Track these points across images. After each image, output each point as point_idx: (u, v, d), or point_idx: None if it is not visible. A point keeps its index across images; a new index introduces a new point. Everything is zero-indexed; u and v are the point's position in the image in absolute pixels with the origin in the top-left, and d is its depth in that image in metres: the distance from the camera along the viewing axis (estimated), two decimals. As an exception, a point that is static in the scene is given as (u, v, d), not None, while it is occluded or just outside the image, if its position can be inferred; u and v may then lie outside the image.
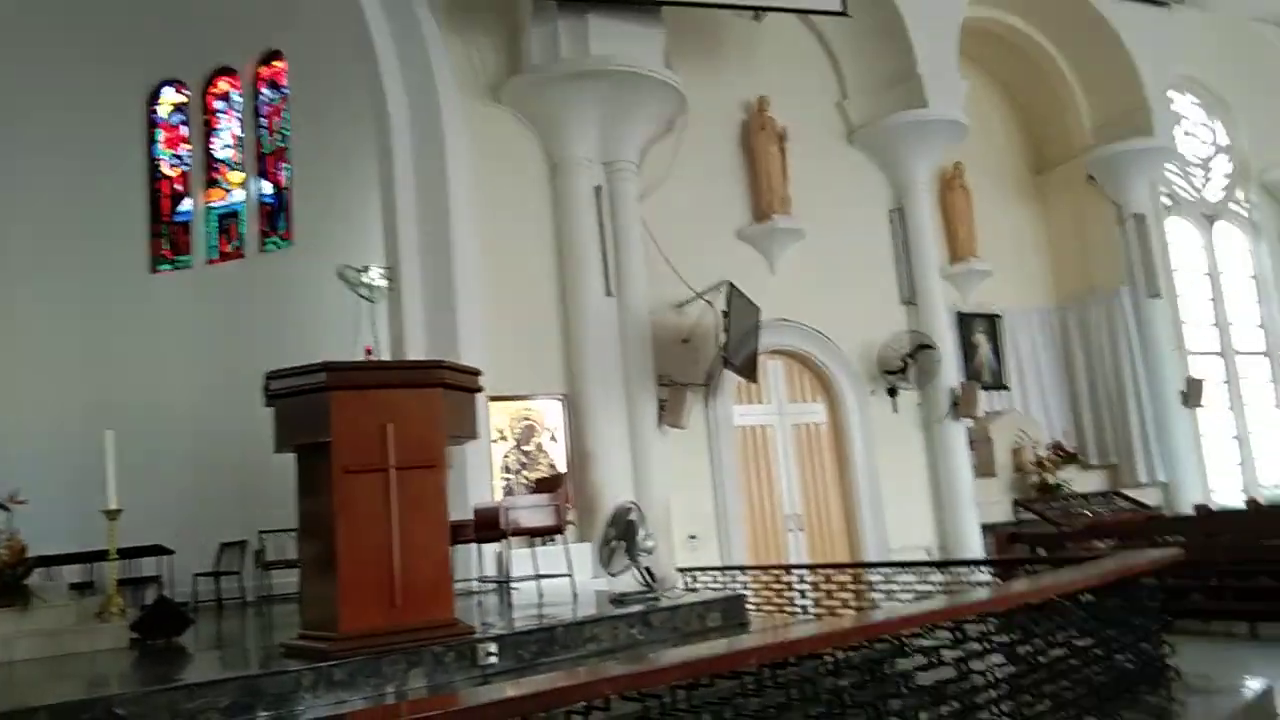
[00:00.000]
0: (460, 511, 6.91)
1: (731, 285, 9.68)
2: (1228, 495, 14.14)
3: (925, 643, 3.73)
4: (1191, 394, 13.50)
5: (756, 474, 10.71)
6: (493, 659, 4.37)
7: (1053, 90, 14.05)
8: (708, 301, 10.09)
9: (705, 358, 10.16)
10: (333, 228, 11.35)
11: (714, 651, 3.02)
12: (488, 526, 6.33)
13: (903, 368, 11.27)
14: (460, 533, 6.56)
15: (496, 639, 4.49)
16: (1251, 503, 13.36)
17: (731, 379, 10.23)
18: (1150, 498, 13.09)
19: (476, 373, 4.93)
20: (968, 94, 12.04)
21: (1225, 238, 15.78)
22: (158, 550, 10.15)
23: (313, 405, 4.46)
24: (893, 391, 11.38)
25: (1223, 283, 15.48)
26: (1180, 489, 13.13)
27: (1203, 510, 12.25)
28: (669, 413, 9.69)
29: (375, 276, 8.97)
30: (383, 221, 9.23)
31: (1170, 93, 14.37)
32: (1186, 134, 15.68)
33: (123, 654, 5.51)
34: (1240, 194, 15.92)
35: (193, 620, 6.30)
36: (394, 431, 4.39)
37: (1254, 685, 5.14)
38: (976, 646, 3.93)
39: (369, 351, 8.78)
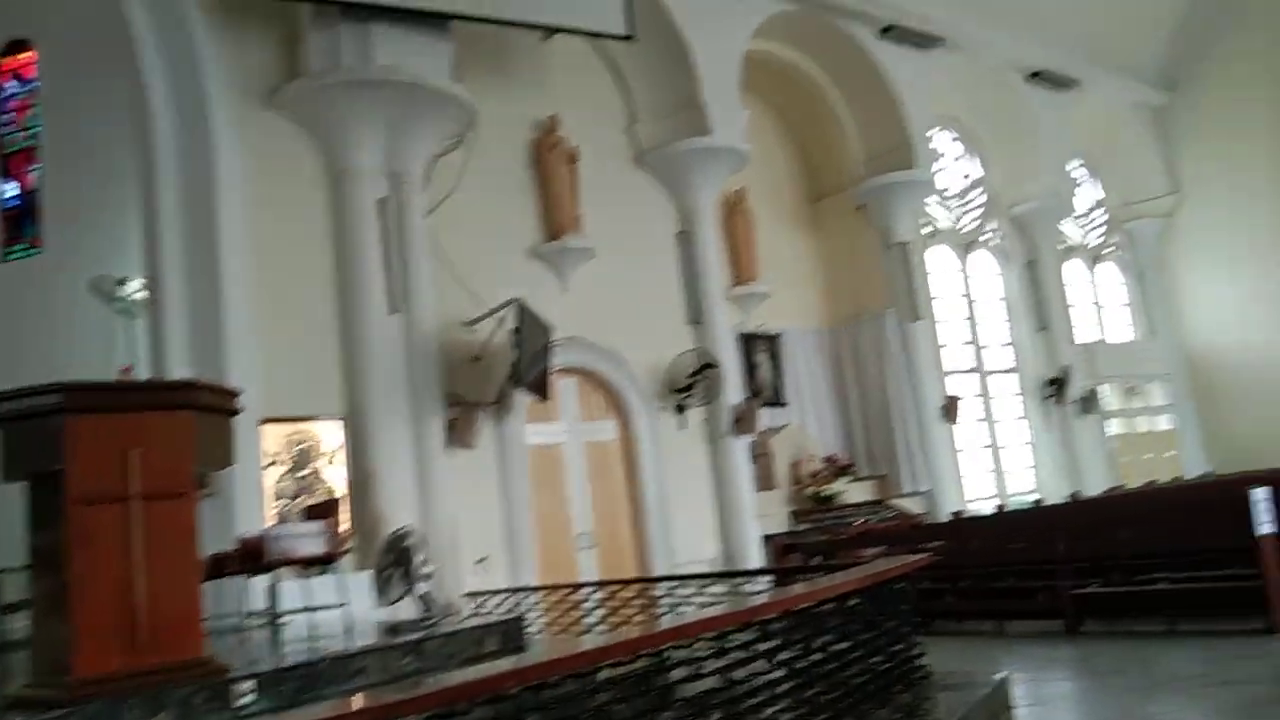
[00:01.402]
0: (228, 541, 6.52)
1: (522, 303, 9.64)
2: (983, 502, 15.38)
3: (689, 654, 3.82)
4: (949, 410, 14.61)
5: (548, 493, 10.69)
6: (249, 698, 4.13)
7: (828, 123, 14.91)
8: (498, 319, 10.00)
9: (497, 376, 10.04)
10: (89, 235, 10.42)
11: (470, 676, 2.96)
12: (253, 557, 5.98)
13: (689, 386, 11.58)
14: (225, 564, 6.19)
15: (254, 676, 4.24)
16: (1000, 509, 14.58)
17: (523, 398, 10.18)
18: (915, 506, 14.04)
19: (234, 393, 4.66)
20: (750, 123, 12.58)
21: (979, 264, 17.22)
22: None
23: (45, 429, 4.09)
24: (680, 409, 11.67)
25: (976, 306, 16.87)
26: (941, 497, 14.14)
27: (958, 517, 13.25)
28: (458, 433, 9.53)
29: (134, 289, 8.37)
30: (143, 229, 8.58)
31: (931, 130, 15.58)
32: (945, 169, 17.03)
33: None
34: (993, 224, 17.43)
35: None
36: (138, 458, 4.08)
37: (994, 677, 5.60)
38: (741, 655, 4.07)
39: (126, 371, 8.16)
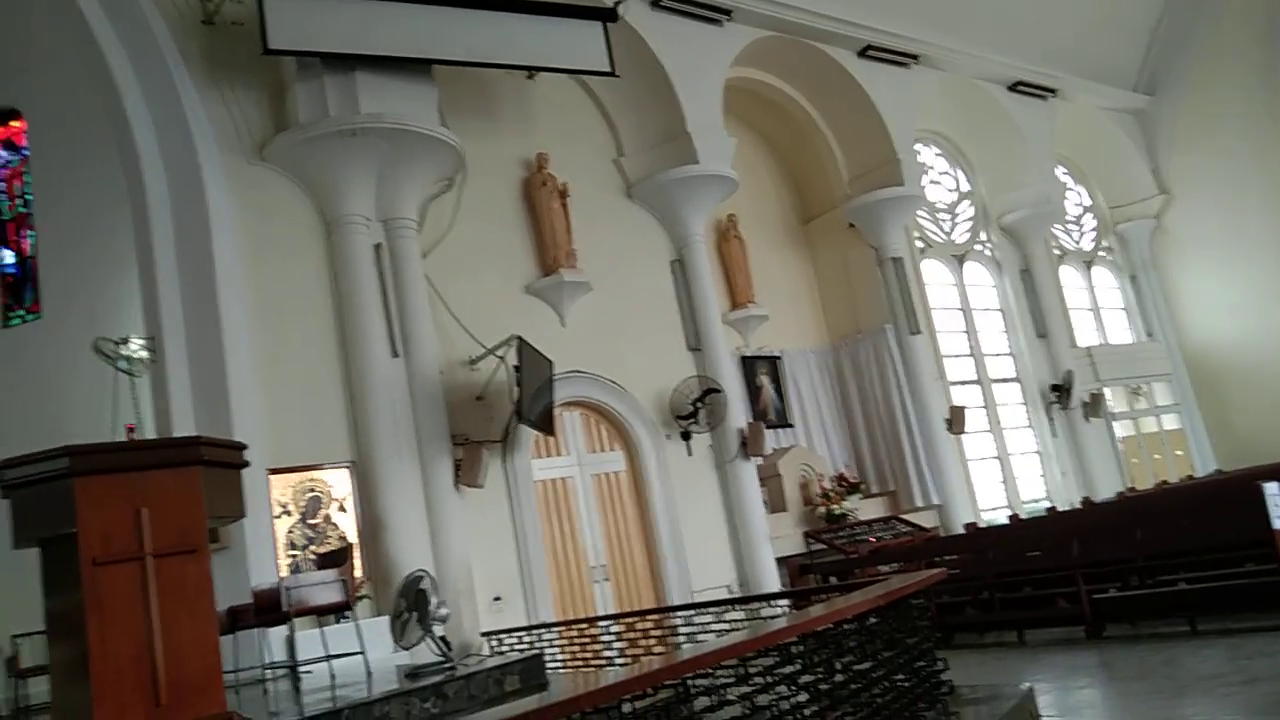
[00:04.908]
0: (242, 594, 6.49)
1: (521, 340, 9.67)
2: (995, 513, 15.32)
3: (716, 682, 3.80)
4: (955, 421, 14.60)
5: (560, 527, 10.67)
6: (273, 752, 4.10)
7: (813, 144, 15.03)
8: (499, 357, 10.02)
9: (501, 414, 10.07)
10: (88, 297, 10.47)
11: (493, 718, 2.95)
12: (269, 609, 5.96)
13: (694, 412, 11.59)
14: (241, 617, 6.17)
15: (276, 729, 4.21)
16: (1014, 518, 14.51)
17: (529, 433, 10.19)
18: (928, 520, 14.00)
19: (240, 446, 4.66)
20: (736, 149, 12.69)
21: (974, 275, 17.29)
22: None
23: (55, 494, 4.09)
24: (686, 435, 11.67)
25: (975, 317, 16.91)
26: (953, 509, 14.11)
27: (972, 528, 13.19)
28: (465, 472, 9.52)
29: (135, 348, 8.35)
30: (141, 289, 8.63)
31: (916, 145, 15.69)
32: (933, 182, 17.14)
33: None
34: (984, 235, 17.52)
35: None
36: (149, 516, 4.08)
37: (1019, 688, 5.56)
38: (763, 680, 4.04)
39: (131, 430, 8.13)
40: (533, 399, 9.58)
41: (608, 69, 11.02)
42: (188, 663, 4.09)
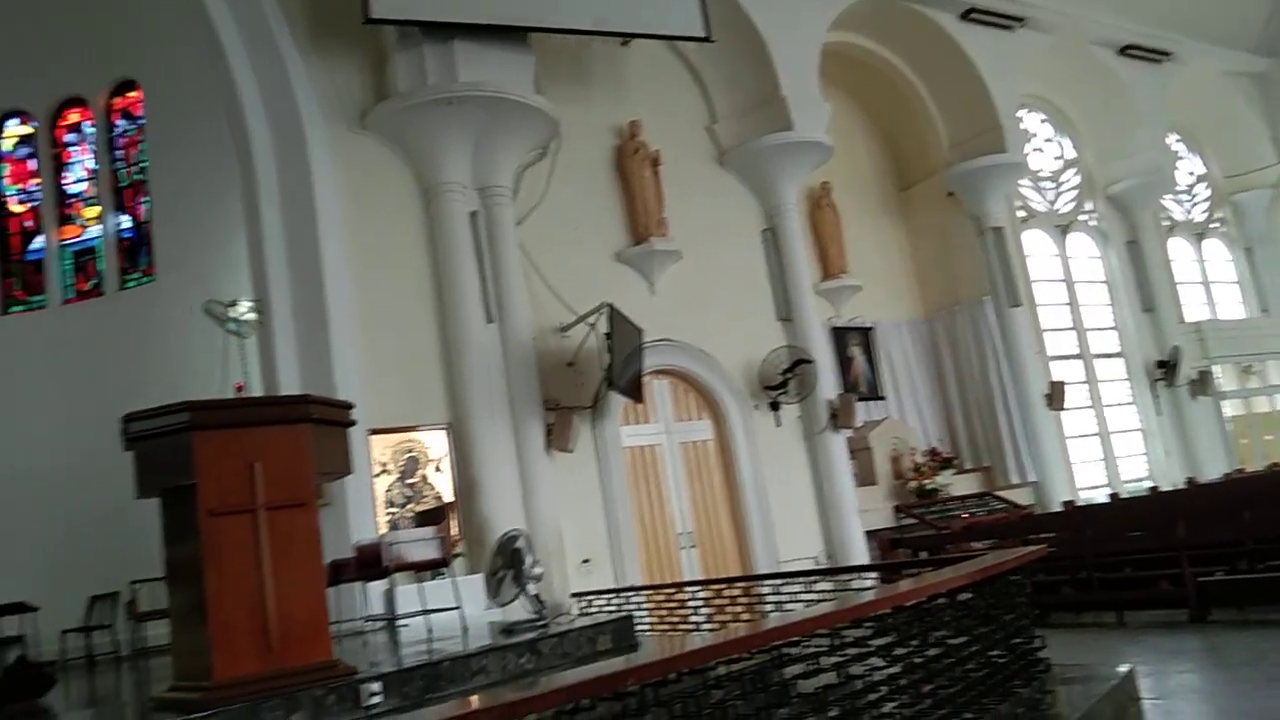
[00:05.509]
0: (343, 549, 6.73)
1: (612, 307, 9.73)
2: (1094, 491, 14.89)
3: (806, 650, 3.80)
4: (1054, 396, 14.20)
5: (647, 494, 10.76)
6: (377, 699, 4.25)
7: (911, 110, 14.67)
8: (590, 324, 10.11)
9: (591, 380, 10.17)
10: (198, 261, 10.93)
11: (593, 674, 3.00)
12: (370, 563, 6.16)
13: (783, 383, 11.51)
14: (343, 571, 6.39)
15: (380, 678, 4.37)
16: (1114, 497, 14.09)
17: (618, 400, 10.27)
18: (1023, 497, 13.69)
19: (347, 406, 4.81)
20: (831, 115, 12.45)
21: (1078, 247, 16.71)
22: (19, 608, 9.51)
23: (175, 447, 4.27)
24: (775, 406, 11.61)
25: (1077, 289, 16.36)
26: (1049, 487, 13.77)
27: (1070, 507, 12.86)
28: (556, 437, 9.66)
29: (243, 311, 8.71)
30: (249, 253, 8.95)
31: (1020, 111, 15.18)
32: (1037, 150, 16.58)
33: (-24, 722, 5.16)
34: (1089, 205, 16.90)
35: (57, 680, 5.93)
36: (262, 470, 4.24)
37: (1118, 670, 5.42)
38: (855, 651, 4.03)
39: (239, 388, 8.48)
40: (622, 366, 9.65)
41: (703, 34, 10.91)
42: (296, 612, 4.26)
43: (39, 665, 5.94)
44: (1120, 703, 5.08)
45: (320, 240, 8.73)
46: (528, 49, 9.93)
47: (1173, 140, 18.22)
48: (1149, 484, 15.33)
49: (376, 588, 7.06)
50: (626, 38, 11.20)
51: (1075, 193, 16.89)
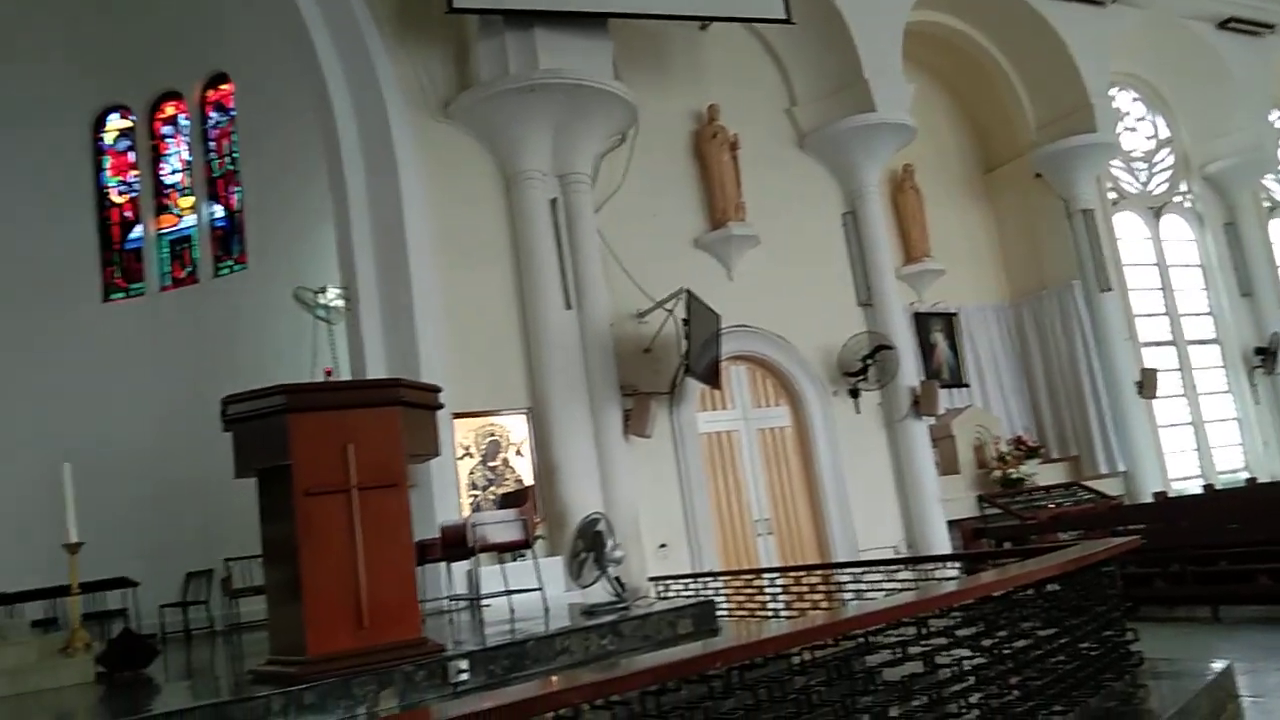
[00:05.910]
0: (428, 530, 6.88)
1: (690, 293, 9.73)
2: (1187, 482, 14.41)
3: (892, 638, 3.77)
4: (1146, 384, 13.76)
5: (724, 480, 10.75)
6: (464, 676, 4.35)
7: (997, 90, 14.30)
8: (668, 310, 10.12)
9: (668, 366, 10.18)
10: (287, 249, 11.26)
11: (679, 656, 3.03)
12: (455, 544, 6.28)
13: (863, 369, 11.37)
14: (428, 551, 6.52)
15: (467, 655, 4.47)
16: (1209, 488, 13.62)
17: (695, 386, 10.27)
18: (1111, 488, 13.31)
19: (435, 390, 4.91)
20: (914, 96, 12.21)
21: (1172, 229, 16.12)
22: (122, 583, 9.98)
23: (271, 428, 4.41)
24: (854, 393, 11.47)
25: (1171, 273, 15.81)
26: (1140, 478, 13.36)
27: (1162, 498, 12.47)
28: (634, 422, 9.71)
29: (332, 297, 8.93)
30: (337, 241, 9.18)
31: (1111, 89, 14.68)
32: (1129, 129, 16.02)
33: (89, 689, 5.41)
34: (1184, 186, 16.29)
35: (159, 651, 6.19)
36: (354, 452, 4.36)
37: (1214, 666, 5.25)
38: (942, 640, 3.98)
39: (329, 373, 8.74)
40: (700, 352, 9.64)
41: (783, 16, 10.79)
42: (387, 590, 4.37)
43: (143, 637, 6.20)
44: (1218, 699, 4.93)
45: (405, 228, 8.90)
46: (607, 35, 9.95)
47: (1275, 117, 17.40)
48: (1245, 475, 14.76)
49: (460, 568, 7.19)
50: (705, 21, 11.14)
51: (1169, 173, 16.29)
